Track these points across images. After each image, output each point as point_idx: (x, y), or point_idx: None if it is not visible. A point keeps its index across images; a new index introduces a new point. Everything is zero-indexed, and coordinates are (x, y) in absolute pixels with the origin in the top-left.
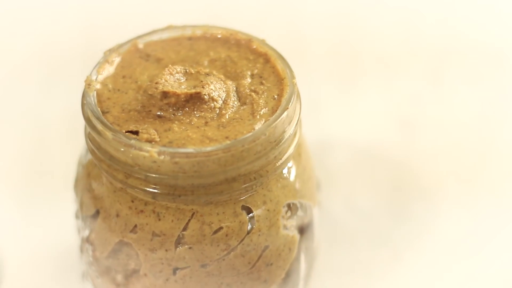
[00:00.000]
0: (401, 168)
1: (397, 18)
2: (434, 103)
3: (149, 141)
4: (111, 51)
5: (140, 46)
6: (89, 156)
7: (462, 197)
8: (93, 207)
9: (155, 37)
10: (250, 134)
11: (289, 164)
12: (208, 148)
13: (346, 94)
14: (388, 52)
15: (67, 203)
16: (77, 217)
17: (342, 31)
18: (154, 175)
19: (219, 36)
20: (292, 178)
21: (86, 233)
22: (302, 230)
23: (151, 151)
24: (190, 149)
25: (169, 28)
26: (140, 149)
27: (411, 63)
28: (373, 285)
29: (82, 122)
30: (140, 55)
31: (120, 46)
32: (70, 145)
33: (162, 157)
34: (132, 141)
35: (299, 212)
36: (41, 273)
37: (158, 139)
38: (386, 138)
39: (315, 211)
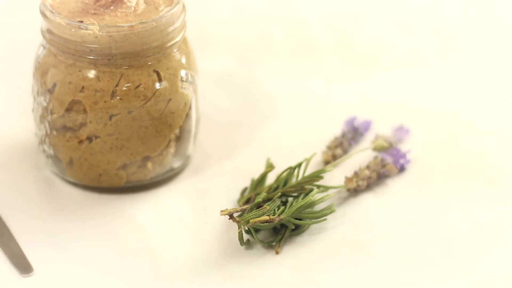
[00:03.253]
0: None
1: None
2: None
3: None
4: None
5: None
6: (43, 53)
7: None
8: (51, 82)
9: None
10: (157, 16)
11: (180, 46)
12: (132, 23)
13: None
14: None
15: None
16: (37, 96)
17: None
18: (95, 46)
19: None
20: (182, 56)
21: (46, 103)
22: (192, 92)
23: (94, 29)
24: (120, 25)
25: None
26: (86, 29)
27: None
28: (237, 149)
29: None
30: None
31: None
32: None
33: (101, 32)
34: (81, 24)
35: (190, 79)
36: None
37: (96, 23)
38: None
39: (199, 82)
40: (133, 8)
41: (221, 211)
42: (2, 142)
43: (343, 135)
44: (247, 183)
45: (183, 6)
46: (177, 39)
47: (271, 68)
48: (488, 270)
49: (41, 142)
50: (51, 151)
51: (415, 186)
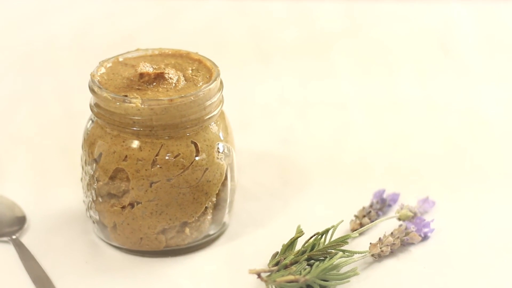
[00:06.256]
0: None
1: None
2: None
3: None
4: (103, 61)
5: (121, 59)
6: (91, 125)
7: None
8: (98, 152)
9: (129, 55)
10: (196, 91)
11: (217, 120)
12: (172, 97)
13: None
14: None
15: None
16: (85, 165)
17: None
18: (138, 118)
19: (169, 53)
20: (219, 129)
21: (92, 171)
22: (228, 163)
23: (137, 102)
24: (161, 98)
25: (137, 50)
26: (130, 102)
27: None
28: (272, 218)
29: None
30: (121, 64)
31: (108, 59)
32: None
33: (143, 105)
34: (125, 98)
35: (226, 151)
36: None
37: (139, 97)
38: None
39: (235, 154)
40: (174, 84)
41: (250, 270)
42: (56, 209)
43: (371, 205)
44: (279, 249)
45: (221, 83)
46: (214, 113)
47: (308, 145)
48: None
49: (88, 208)
50: (96, 217)
51: (438, 253)
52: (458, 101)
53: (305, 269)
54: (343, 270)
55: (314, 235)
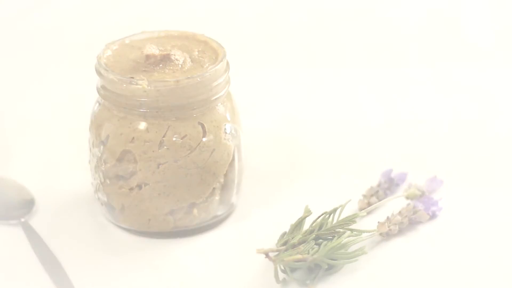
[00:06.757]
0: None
1: None
2: None
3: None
4: (109, 43)
5: (127, 41)
6: (98, 108)
7: None
8: (105, 134)
9: (135, 37)
10: (202, 72)
11: (224, 101)
12: (178, 78)
13: None
14: None
15: None
16: (92, 147)
17: None
18: (144, 100)
19: (175, 34)
20: (226, 110)
21: (100, 154)
22: (235, 144)
23: (143, 84)
24: (167, 79)
25: (143, 32)
26: (136, 84)
27: None
28: (280, 199)
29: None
30: (127, 46)
31: (115, 41)
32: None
33: (149, 87)
34: (131, 80)
35: (233, 131)
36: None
37: (145, 79)
38: None
39: (242, 135)
40: (180, 66)
41: (257, 249)
42: (64, 192)
43: (379, 185)
44: (287, 229)
45: (227, 64)
46: (221, 93)
47: (316, 125)
48: None
49: (96, 190)
50: (104, 199)
51: (446, 232)
52: (467, 81)
53: (313, 248)
54: (351, 249)
55: (322, 215)
